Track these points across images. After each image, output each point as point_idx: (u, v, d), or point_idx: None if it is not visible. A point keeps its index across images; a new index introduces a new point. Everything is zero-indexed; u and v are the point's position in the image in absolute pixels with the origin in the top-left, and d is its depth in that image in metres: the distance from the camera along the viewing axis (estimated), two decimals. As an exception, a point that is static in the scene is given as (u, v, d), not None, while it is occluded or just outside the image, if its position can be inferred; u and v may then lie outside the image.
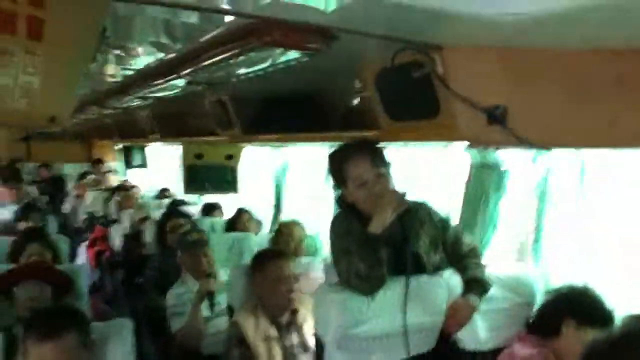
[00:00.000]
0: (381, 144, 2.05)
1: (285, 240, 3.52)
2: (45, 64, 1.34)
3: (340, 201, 2.09)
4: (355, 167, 1.97)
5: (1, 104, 1.39)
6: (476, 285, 2.05)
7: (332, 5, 1.41)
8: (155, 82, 2.55)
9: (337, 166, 2.03)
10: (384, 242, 1.92)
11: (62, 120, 1.51)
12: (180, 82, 2.45)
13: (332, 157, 2.07)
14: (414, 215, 2.05)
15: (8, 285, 2.53)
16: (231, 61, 1.83)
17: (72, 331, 1.75)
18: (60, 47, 1.30)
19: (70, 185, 7.84)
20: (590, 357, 1.23)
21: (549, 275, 2.38)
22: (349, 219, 2.01)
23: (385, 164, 2.00)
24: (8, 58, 1.30)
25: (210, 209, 4.92)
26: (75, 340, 1.75)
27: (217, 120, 3.34)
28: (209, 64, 1.94)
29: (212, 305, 2.99)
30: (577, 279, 2.10)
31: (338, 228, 2.03)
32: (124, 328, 2.09)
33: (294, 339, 2.53)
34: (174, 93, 2.82)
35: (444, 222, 2.13)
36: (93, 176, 7.73)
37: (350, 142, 2.08)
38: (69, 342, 1.73)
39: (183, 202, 5.36)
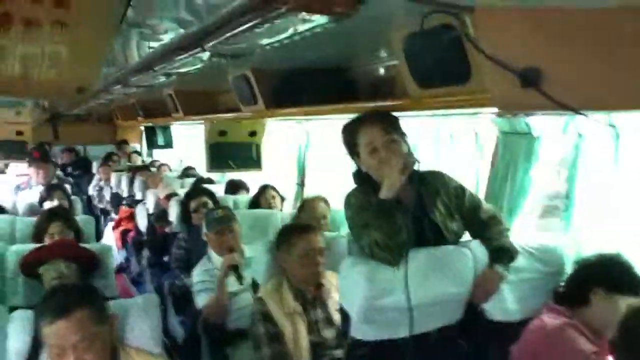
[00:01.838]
0: (399, 114, 2.03)
1: (309, 215, 3.50)
2: (73, 34, 1.33)
3: (356, 173, 2.08)
4: (366, 134, 1.98)
5: (30, 75, 1.39)
6: (502, 254, 2.02)
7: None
8: (179, 57, 2.53)
9: (350, 136, 2.04)
10: (400, 210, 1.90)
11: (89, 91, 1.50)
12: (204, 56, 2.43)
13: (346, 127, 2.08)
14: (429, 183, 2.03)
15: (35, 265, 2.56)
16: (256, 30, 1.79)
17: (83, 307, 1.70)
18: (87, 16, 1.29)
19: (95, 167, 7.93)
20: (628, 323, 1.20)
21: (579, 245, 2.34)
22: (364, 192, 2.00)
23: (398, 131, 1.99)
24: (35, 28, 1.29)
25: (235, 188, 4.93)
26: (87, 316, 1.70)
27: (240, 96, 3.32)
28: (232, 35, 1.91)
29: (239, 280, 3.01)
30: (608, 248, 2.07)
31: (354, 202, 2.03)
32: (150, 303, 2.09)
33: (319, 314, 2.53)
34: (197, 68, 2.80)
35: (461, 189, 2.09)
36: (124, 161, 7.77)
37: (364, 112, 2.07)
38: (81, 318, 1.68)
39: (208, 181, 5.40)
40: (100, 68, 1.51)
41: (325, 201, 3.64)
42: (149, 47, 2.60)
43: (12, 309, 2.10)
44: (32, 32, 1.29)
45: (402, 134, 2.00)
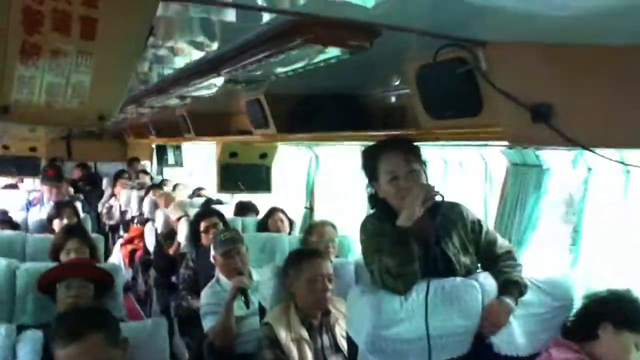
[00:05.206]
0: (418, 143, 2.04)
1: (316, 240, 3.51)
2: (98, 63, 1.36)
3: (372, 198, 2.09)
4: (387, 162, 1.99)
5: (53, 104, 1.42)
6: (512, 287, 2.02)
7: (373, 1, 1.41)
8: (195, 81, 2.58)
9: (370, 161, 2.05)
10: (415, 239, 1.90)
11: (110, 118, 1.53)
12: (219, 81, 2.48)
13: (366, 153, 2.09)
14: (446, 214, 2.03)
15: (52, 282, 2.58)
16: (271, 59, 1.83)
17: (97, 331, 1.71)
18: (112, 46, 1.32)
19: (105, 184, 7.96)
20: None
21: (588, 279, 2.34)
22: (380, 218, 2.02)
23: (418, 161, 2.01)
24: (62, 58, 1.32)
25: (244, 209, 4.95)
26: (101, 340, 1.71)
27: (253, 119, 3.36)
28: (249, 63, 1.95)
29: (246, 304, 3.01)
30: (617, 283, 2.06)
31: (369, 228, 2.04)
32: (160, 327, 2.12)
33: (326, 340, 2.52)
34: (212, 92, 2.85)
35: (478, 224, 2.10)
36: (140, 180, 7.77)
37: (385, 138, 2.09)
38: (95, 342, 1.69)
39: (217, 202, 5.41)
40: (122, 96, 1.54)
41: (333, 226, 3.64)
42: (166, 70, 2.65)
43: (20, 327, 2.11)
44: (58, 62, 1.33)
45: (422, 164, 2.02)
